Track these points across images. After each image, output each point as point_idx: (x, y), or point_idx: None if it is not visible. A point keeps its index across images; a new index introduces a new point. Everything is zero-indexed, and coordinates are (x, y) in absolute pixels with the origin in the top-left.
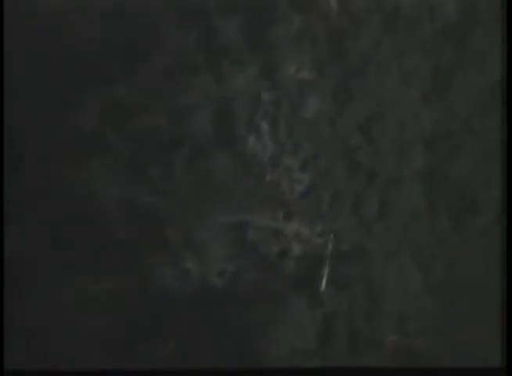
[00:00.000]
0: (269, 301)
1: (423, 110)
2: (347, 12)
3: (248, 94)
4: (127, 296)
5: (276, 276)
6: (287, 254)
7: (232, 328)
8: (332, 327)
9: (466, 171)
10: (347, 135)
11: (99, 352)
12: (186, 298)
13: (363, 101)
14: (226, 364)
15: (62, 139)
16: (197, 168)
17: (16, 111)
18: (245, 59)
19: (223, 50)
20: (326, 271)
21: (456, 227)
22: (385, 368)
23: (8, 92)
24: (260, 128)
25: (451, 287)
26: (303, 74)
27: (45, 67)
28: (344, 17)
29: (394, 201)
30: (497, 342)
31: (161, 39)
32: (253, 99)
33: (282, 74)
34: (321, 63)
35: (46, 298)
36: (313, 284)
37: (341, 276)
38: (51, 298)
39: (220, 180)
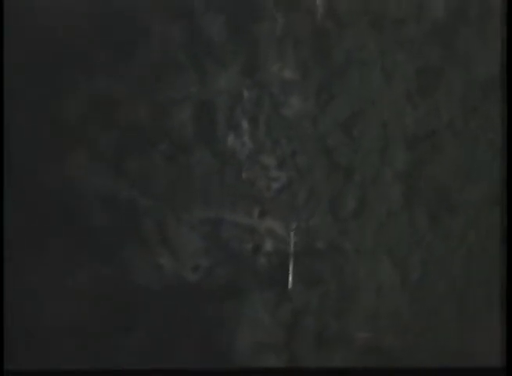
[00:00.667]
0: (240, 296)
1: (406, 110)
2: (333, 12)
3: (230, 92)
4: (100, 288)
5: (249, 272)
6: (260, 251)
7: (202, 322)
8: (300, 323)
9: (447, 171)
10: (328, 134)
11: (72, 339)
12: (159, 291)
13: (346, 100)
14: (193, 357)
15: (46, 131)
16: (176, 163)
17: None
18: (228, 57)
19: (207, 48)
20: (291, 268)
21: (434, 227)
22: (384, 368)
23: None
24: (240, 126)
25: (426, 287)
26: (286, 73)
27: (33, 59)
28: (329, 17)
29: (372, 200)
30: (470, 341)
31: (147, 36)
32: (234, 98)
33: (264, 72)
34: (304, 62)
35: (22, 284)
36: (284, 281)
37: (313, 274)
38: (26, 285)
39: (197, 176)
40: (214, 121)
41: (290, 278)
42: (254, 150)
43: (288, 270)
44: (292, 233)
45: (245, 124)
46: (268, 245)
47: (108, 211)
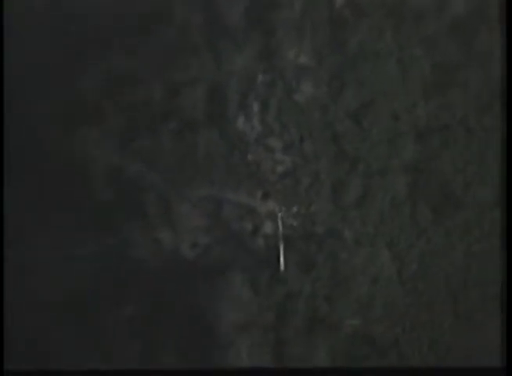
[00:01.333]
0: (233, 275)
1: (419, 104)
2: (351, 1)
3: (244, 75)
4: (100, 259)
5: (246, 252)
6: (259, 232)
7: (192, 298)
8: (291, 306)
9: (454, 167)
10: (337, 122)
11: (67, 310)
12: (156, 266)
13: (358, 90)
14: (178, 332)
15: (61, 105)
16: (184, 141)
17: (19, 75)
18: (245, 40)
19: (225, 31)
20: (281, 251)
21: (436, 221)
22: (384, 368)
23: (14, 56)
24: (251, 108)
25: (424, 280)
26: (301, 59)
27: (52, 36)
28: (347, 6)
29: (376, 190)
30: (461, 339)
31: (166, 16)
32: (248, 81)
33: (280, 57)
34: (320, 49)
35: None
36: (279, 263)
37: (309, 258)
38: (28, 256)
39: (204, 155)
40: (226, 103)
41: (282, 260)
42: (263, 133)
43: (286, 253)
44: (280, 215)
45: (256, 107)
46: (268, 227)
47: (114, 185)
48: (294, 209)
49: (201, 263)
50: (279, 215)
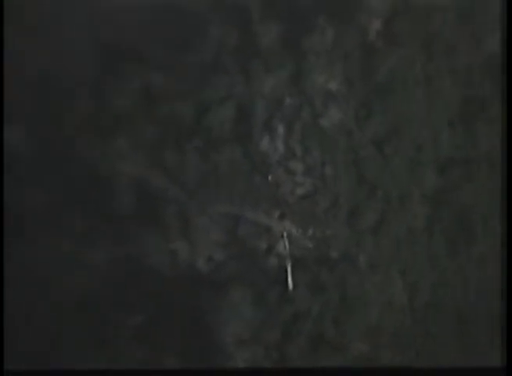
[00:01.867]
0: (246, 291)
1: (444, 135)
2: (386, 31)
3: (272, 97)
4: (117, 266)
5: (258, 270)
6: (273, 252)
7: (201, 310)
8: (298, 326)
9: (474, 200)
10: (360, 148)
11: (80, 311)
12: (171, 277)
13: (384, 118)
14: (183, 346)
15: (95, 115)
16: (208, 159)
17: (60, 81)
18: (276, 64)
19: (257, 53)
20: (289, 271)
21: (452, 252)
22: (384, 368)
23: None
24: (276, 130)
25: (434, 310)
26: (331, 85)
27: (90, 48)
28: (381, 36)
29: (393, 218)
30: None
31: (203, 37)
32: (275, 103)
33: (309, 82)
34: (350, 76)
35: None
36: (288, 282)
37: (320, 281)
38: (42, 256)
39: (227, 173)
40: (252, 123)
41: (290, 280)
42: (285, 155)
43: (297, 274)
44: (286, 236)
45: (281, 130)
46: (281, 247)
47: (137, 196)
48: (310, 231)
49: (214, 277)
50: (285, 234)
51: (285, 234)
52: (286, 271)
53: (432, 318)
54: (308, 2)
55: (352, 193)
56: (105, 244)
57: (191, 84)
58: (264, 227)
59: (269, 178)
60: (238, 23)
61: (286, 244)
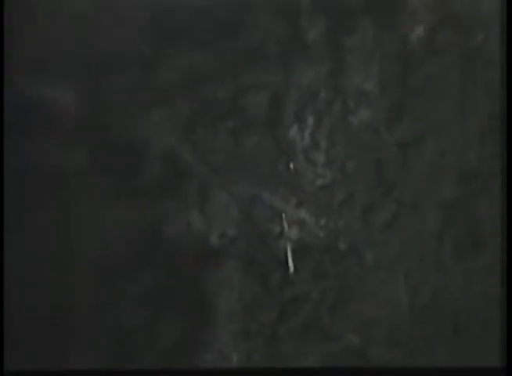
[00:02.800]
0: (251, 270)
1: (471, 148)
2: (429, 39)
3: (307, 89)
4: (132, 231)
5: (267, 251)
6: (284, 236)
7: (204, 282)
8: (294, 308)
9: (489, 213)
10: (384, 149)
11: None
12: (183, 246)
13: (412, 122)
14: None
15: (137, 88)
16: (237, 140)
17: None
18: (316, 58)
19: (300, 46)
20: (289, 253)
21: (458, 261)
22: (384, 368)
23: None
24: (305, 121)
25: (433, 314)
26: (366, 85)
27: (139, 26)
28: (423, 42)
29: (405, 219)
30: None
31: (252, 24)
32: (310, 95)
33: (346, 79)
34: (385, 78)
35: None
36: (288, 265)
37: (325, 269)
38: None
39: (252, 156)
40: (284, 111)
41: (290, 263)
42: (311, 146)
43: (302, 261)
44: (284, 217)
45: (310, 121)
46: (293, 233)
47: (163, 167)
48: (323, 221)
49: (225, 253)
50: (284, 215)
51: (283, 215)
52: (286, 254)
53: (429, 319)
54: (355, 3)
55: (369, 191)
56: (126, 209)
57: (232, 68)
58: (279, 212)
59: (291, 166)
60: (286, 15)
61: (286, 225)
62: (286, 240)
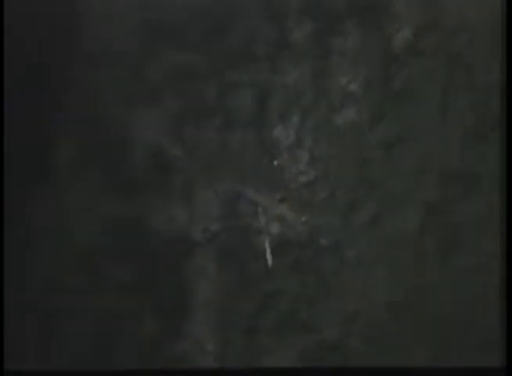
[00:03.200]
0: (230, 264)
1: (454, 150)
2: (413, 42)
3: (293, 89)
4: (116, 222)
5: (248, 246)
6: (263, 232)
7: (182, 275)
8: (272, 301)
9: (472, 215)
10: (367, 149)
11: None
12: (165, 239)
13: (396, 124)
14: (159, 300)
15: (126, 86)
16: (221, 137)
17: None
18: (302, 58)
19: (286, 46)
20: (267, 246)
21: (439, 261)
22: (383, 368)
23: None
24: (290, 120)
25: (411, 311)
26: (351, 86)
27: (127, 24)
28: (407, 45)
29: (387, 217)
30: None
31: (239, 24)
32: (295, 94)
33: (330, 80)
34: (370, 80)
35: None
36: (266, 258)
37: (305, 264)
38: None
39: (237, 153)
40: (269, 110)
41: (268, 256)
42: (295, 144)
43: (266, 249)
44: (260, 211)
45: (295, 120)
46: (274, 228)
47: (148, 162)
48: (304, 217)
49: (206, 247)
50: (260, 210)
51: (259, 209)
52: (264, 247)
53: (407, 318)
54: (341, 5)
55: (351, 189)
56: (112, 201)
57: (218, 67)
58: (262, 207)
59: (275, 163)
60: (274, 16)
61: (263, 219)
62: (266, 235)
